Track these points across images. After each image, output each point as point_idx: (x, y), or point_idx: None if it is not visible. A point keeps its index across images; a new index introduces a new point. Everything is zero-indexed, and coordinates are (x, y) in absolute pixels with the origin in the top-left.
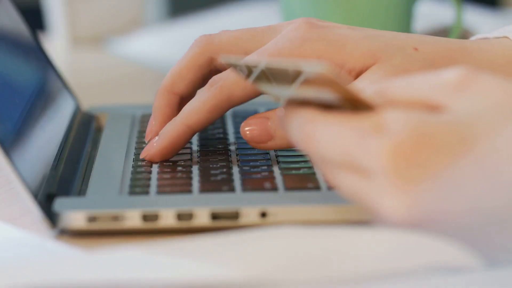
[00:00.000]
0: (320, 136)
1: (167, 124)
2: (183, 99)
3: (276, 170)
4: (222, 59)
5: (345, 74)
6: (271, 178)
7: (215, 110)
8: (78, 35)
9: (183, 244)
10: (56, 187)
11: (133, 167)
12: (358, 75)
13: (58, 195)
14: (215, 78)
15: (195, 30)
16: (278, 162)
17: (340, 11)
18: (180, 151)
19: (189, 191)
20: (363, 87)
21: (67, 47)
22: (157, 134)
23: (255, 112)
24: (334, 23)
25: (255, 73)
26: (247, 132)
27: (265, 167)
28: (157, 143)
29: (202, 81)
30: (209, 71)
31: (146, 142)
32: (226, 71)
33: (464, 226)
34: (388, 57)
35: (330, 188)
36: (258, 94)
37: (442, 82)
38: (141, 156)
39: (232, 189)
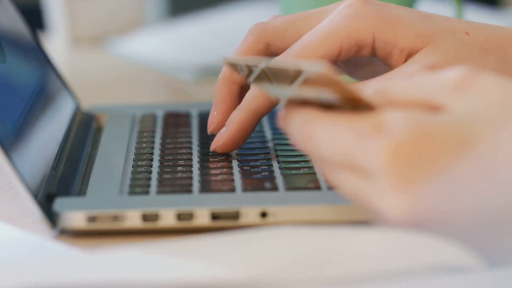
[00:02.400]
0: (320, 136)
1: (233, 112)
2: (243, 88)
3: (276, 170)
4: (221, 60)
5: (397, 53)
6: (271, 178)
7: None
8: (78, 35)
9: (183, 244)
10: (56, 187)
11: (133, 167)
12: (408, 55)
13: (58, 195)
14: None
15: (195, 30)
16: (278, 162)
17: None
18: (180, 151)
19: (189, 191)
20: (414, 70)
21: (67, 47)
22: (220, 125)
23: None
24: (386, 3)
25: (255, 72)
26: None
27: (265, 167)
28: (225, 133)
29: None
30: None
31: (209, 133)
32: (284, 53)
33: (464, 226)
34: (440, 40)
35: (330, 188)
36: None
37: (442, 82)
38: (211, 149)
39: (232, 189)
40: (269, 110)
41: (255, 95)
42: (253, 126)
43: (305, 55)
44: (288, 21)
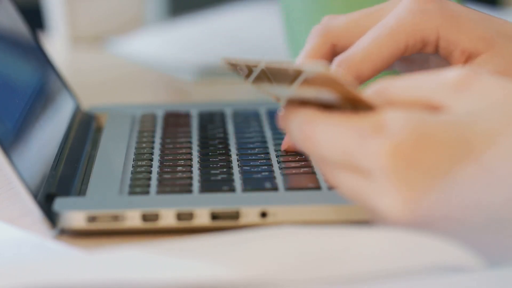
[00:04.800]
0: (320, 136)
1: None
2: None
3: (276, 170)
4: (221, 60)
5: (458, 53)
6: (271, 178)
7: None
8: (78, 35)
9: (183, 244)
10: (56, 187)
11: (133, 167)
12: (468, 57)
13: (58, 195)
14: (341, 58)
15: (195, 29)
16: (278, 162)
17: (341, 12)
18: (180, 151)
19: (189, 191)
20: None
21: (67, 47)
22: None
23: (255, 112)
24: None
25: (255, 73)
26: None
27: (265, 167)
28: None
29: None
30: (332, 59)
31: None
32: (351, 49)
33: (464, 225)
34: (499, 46)
35: (330, 188)
36: (385, 67)
37: (442, 82)
38: (282, 148)
39: (232, 189)
40: None
41: None
42: None
43: (373, 51)
44: (351, 20)
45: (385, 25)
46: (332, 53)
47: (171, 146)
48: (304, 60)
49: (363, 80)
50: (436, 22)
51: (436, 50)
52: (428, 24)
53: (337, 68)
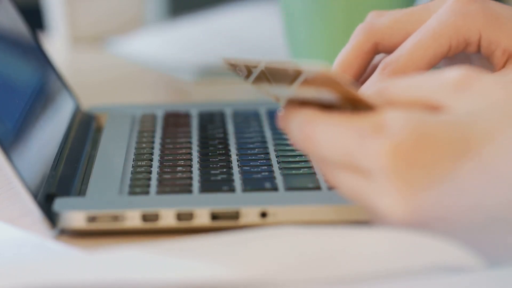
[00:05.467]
0: (320, 136)
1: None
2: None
3: (276, 170)
4: (221, 60)
5: (499, 53)
6: (271, 178)
7: None
8: (78, 35)
9: (183, 244)
10: (56, 187)
11: (133, 167)
12: (509, 57)
13: (58, 195)
14: (386, 61)
15: (195, 30)
16: (278, 162)
17: (340, 12)
18: (180, 151)
19: (189, 191)
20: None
21: (67, 47)
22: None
23: (255, 112)
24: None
25: (255, 73)
26: None
27: (265, 167)
28: None
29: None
30: (373, 57)
31: None
32: (396, 52)
33: (464, 225)
34: None
35: (330, 188)
36: (430, 68)
37: (443, 82)
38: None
39: (232, 189)
40: None
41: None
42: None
43: (418, 53)
44: (394, 19)
45: (428, 27)
46: (374, 51)
47: (171, 146)
48: (347, 55)
49: None
50: (479, 22)
51: (478, 50)
52: (471, 25)
53: (382, 71)
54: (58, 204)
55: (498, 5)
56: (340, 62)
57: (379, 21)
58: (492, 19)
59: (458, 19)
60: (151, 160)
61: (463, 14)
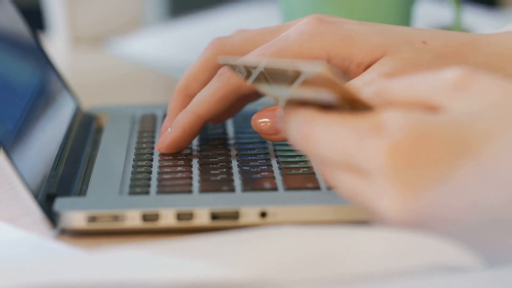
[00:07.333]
0: (319, 137)
1: (178, 115)
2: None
3: (276, 170)
4: (220, 60)
5: (354, 67)
6: (271, 178)
7: (224, 99)
8: (78, 35)
9: (183, 244)
10: (57, 187)
11: (133, 167)
12: (366, 68)
13: (58, 195)
14: (224, 68)
15: (195, 30)
16: (277, 162)
17: (339, 12)
18: (180, 151)
19: (189, 191)
20: (371, 79)
21: (67, 47)
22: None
23: (255, 112)
24: (344, 19)
25: (254, 74)
26: (261, 125)
27: (265, 167)
28: (169, 134)
29: None
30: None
31: (160, 137)
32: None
33: (463, 225)
34: (397, 50)
35: (330, 188)
36: None
37: (441, 82)
38: (155, 149)
39: (232, 189)
40: (214, 116)
41: (201, 100)
42: (197, 130)
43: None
44: (248, 37)
45: (273, 44)
46: (222, 67)
47: None
48: (194, 69)
49: (245, 92)
50: (326, 43)
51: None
52: (316, 45)
53: (218, 77)
54: (59, 204)
55: (351, 22)
56: (187, 76)
57: (232, 38)
58: (342, 38)
59: (303, 39)
60: (151, 160)
61: (309, 35)
